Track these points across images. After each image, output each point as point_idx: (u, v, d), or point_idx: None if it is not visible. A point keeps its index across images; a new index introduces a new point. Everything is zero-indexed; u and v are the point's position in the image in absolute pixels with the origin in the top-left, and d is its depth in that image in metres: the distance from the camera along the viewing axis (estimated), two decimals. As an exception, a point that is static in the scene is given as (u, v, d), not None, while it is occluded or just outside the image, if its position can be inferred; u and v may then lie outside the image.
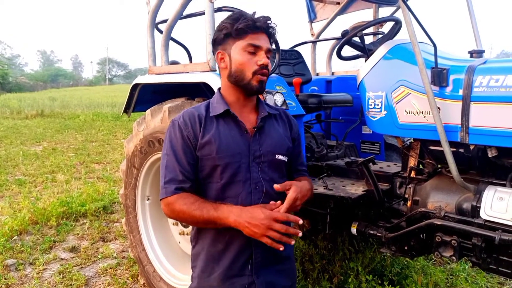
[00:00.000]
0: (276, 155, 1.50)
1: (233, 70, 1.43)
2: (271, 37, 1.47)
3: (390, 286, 2.70)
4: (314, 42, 3.82)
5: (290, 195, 1.40)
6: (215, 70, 2.28)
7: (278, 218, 1.30)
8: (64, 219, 4.55)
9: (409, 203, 2.21)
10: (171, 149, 1.42)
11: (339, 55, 2.54)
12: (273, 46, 1.51)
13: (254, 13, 1.45)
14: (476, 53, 2.22)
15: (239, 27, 1.39)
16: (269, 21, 1.44)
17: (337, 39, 3.46)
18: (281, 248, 1.31)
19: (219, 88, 1.55)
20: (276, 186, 1.41)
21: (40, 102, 21.83)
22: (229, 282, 1.44)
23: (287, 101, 2.31)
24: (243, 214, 1.32)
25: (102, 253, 3.75)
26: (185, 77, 2.39)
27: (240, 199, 1.41)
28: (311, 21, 3.88)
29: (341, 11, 3.59)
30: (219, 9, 2.29)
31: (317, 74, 3.87)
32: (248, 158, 1.43)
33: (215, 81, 2.17)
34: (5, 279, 3.20)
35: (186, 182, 1.39)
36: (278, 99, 2.20)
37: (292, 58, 3.17)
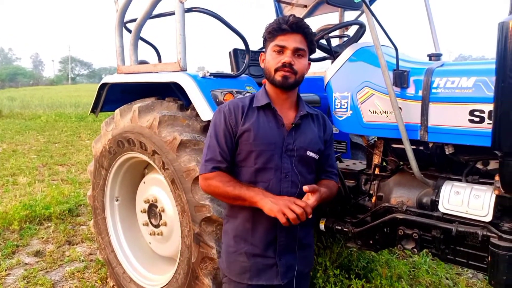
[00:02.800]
0: (308, 152, 1.63)
1: (264, 68, 1.62)
2: (306, 37, 1.57)
3: (357, 279, 2.80)
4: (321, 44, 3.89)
5: (312, 202, 1.52)
6: (186, 70, 2.30)
7: (297, 202, 1.45)
8: (27, 222, 4.40)
9: (373, 199, 2.31)
10: (214, 132, 1.59)
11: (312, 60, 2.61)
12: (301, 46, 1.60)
13: (291, 16, 1.56)
14: (435, 56, 2.35)
15: (268, 30, 1.58)
16: (296, 22, 1.54)
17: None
18: (286, 223, 1.43)
19: (265, 85, 1.69)
20: (305, 188, 1.51)
21: (-2, 102, 20.83)
22: (253, 261, 1.59)
23: (257, 101, 2.35)
24: (269, 195, 1.49)
25: (68, 256, 3.66)
26: (155, 76, 2.39)
27: (270, 184, 1.56)
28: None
29: (308, 14, 3.68)
30: (190, 10, 2.31)
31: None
32: (281, 149, 1.57)
33: (186, 81, 2.18)
34: (-35, 286, 3.07)
35: (223, 162, 1.56)
36: (248, 99, 2.24)
37: (262, 59, 3.21)
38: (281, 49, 1.54)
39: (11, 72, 70.52)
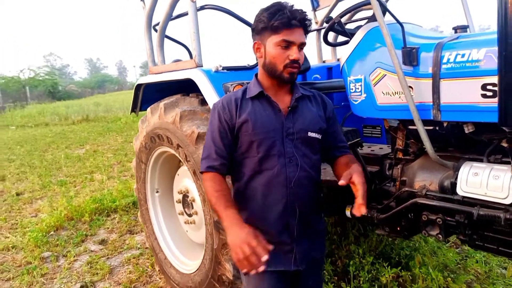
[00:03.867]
0: (309, 133, 1.62)
1: (267, 62, 1.57)
2: (306, 31, 1.57)
3: (393, 268, 2.70)
4: (318, 30, 3.83)
5: (359, 180, 1.46)
6: (201, 66, 2.40)
7: (251, 243, 1.32)
8: (96, 214, 4.89)
9: (397, 184, 2.22)
10: (210, 130, 1.62)
11: (326, 41, 2.57)
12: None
13: (292, 6, 1.52)
14: (460, 29, 2.17)
15: (274, 24, 1.49)
16: (305, 17, 1.53)
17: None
18: (244, 271, 1.35)
19: (256, 74, 1.69)
20: (341, 182, 1.46)
21: (86, 108, 23.06)
22: (273, 251, 1.45)
23: (273, 91, 2.38)
24: (237, 224, 1.40)
25: (127, 244, 4.02)
26: (175, 75, 2.53)
27: (276, 170, 1.56)
28: (315, 9, 3.89)
29: (342, -3, 3.57)
30: (202, 8, 2.40)
31: (324, 62, 3.88)
32: (281, 134, 1.57)
33: (199, 77, 2.29)
34: (40, 269, 3.53)
35: (218, 160, 1.57)
36: (261, 89, 2.28)
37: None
38: (288, 44, 1.51)
39: (99, 80, 77.24)
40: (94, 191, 5.89)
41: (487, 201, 1.72)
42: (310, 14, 3.85)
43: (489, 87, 1.62)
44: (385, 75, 2.03)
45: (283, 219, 1.60)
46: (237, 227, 1.39)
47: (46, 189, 6.40)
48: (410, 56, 1.87)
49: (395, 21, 1.90)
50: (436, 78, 1.80)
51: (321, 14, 3.87)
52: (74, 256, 3.79)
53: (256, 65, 2.49)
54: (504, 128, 1.48)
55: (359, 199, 1.46)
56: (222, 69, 2.34)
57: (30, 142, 12.29)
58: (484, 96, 1.64)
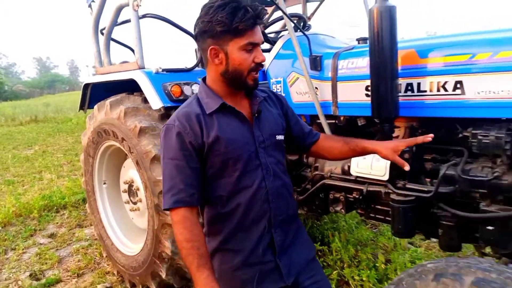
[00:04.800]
0: (277, 136, 1.51)
1: (231, 68, 1.36)
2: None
3: (315, 244, 3.12)
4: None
5: (412, 140, 1.65)
6: (143, 68, 2.70)
7: None
8: (45, 211, 5.00)
9: (312, 170, 2.63)
10: (167, 156, 1.35)
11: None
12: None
13: (259, 6, 1.35)
14: (362, 40, 2.63)
15: (239, 27, 1.29)
16: (263, 13, 1.35)
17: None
18: None
19: (204, 79, 1.49)
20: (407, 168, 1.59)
21: (34, 109, 22.24)
22: (254, 269, 1.42)
23: (207, 90, 2.72)
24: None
25: (77, 237, 4.20)
26: (119, 75, 2.81)
27: (256, 186, 1.41)
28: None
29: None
30: (144, 16, 2.70)
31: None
32: (254, 145, 1.42)
33: (141, 78, 2.59)
34: (-12, 262, 3.65)
35: (186, 190, 1.33)
36: (196, 89, 2.61)
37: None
38: (253, 47, 1.35)
39: (49, 80, 73.93)
40: (43, 189, 5.94)
41: (373, 179, 2.16)
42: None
43: (369, 88, 2.06)
44: (298, 78, 2.44)
45: (267, 236, 1.45)
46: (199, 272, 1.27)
47: (-8, 188, 6.34)
48: (315, 63, 2.28)
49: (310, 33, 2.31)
50: (334, 80, 2.23)
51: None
52: (23, 249, 3.93)
53: (194, 67, 2.82)
54: (375, 119, 1.91)
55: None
56: (162, 71, 2.64)
57: (-27, 143, 11.82)
58: (367, 95, 2.08)
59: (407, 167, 1.60)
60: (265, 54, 3.03)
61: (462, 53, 1.74)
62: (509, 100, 1.60)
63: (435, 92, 1.82)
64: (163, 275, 2.66)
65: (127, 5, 2.62)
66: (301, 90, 2.43)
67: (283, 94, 2.56)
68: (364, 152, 1.71)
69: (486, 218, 1.78)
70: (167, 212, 2.44)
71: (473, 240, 1.93)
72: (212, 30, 1.33)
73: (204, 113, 1.39)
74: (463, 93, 1.74)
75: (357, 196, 2.28)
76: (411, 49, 1.91)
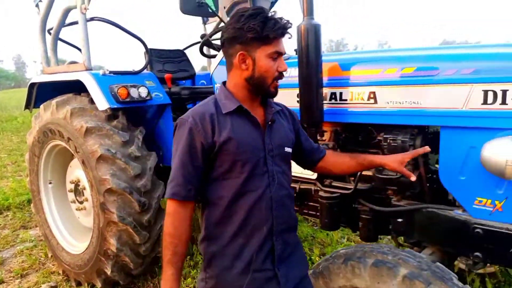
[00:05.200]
0: (285, 148, 1.54)
1: (257, 75, 1.42)
2: None
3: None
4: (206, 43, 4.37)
5: (414, 152, 1.75)
6: (91, 70, 2.77)
7: None
8: (-13, 211, 4.85)
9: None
10: (178, 150, 1.39)
11: (202, 53, 3.10)
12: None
13: (275, 13, 1.44)
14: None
15: (270, 35, 1.37)
16: (291, 26, 1.45)
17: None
18: None
19: (224, 83, 1.53)
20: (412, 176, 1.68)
21: (-25, 106, 20.95)
22: (251, 277, 1.41)
23: (154, 93, 2.85)
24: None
25: (21, 238, 4.13)
26: (66, 76, 2.86)
27: (260, 191, 1.42)
28: (205, 22, 4.42)
29: (227, 14, 4.16)
30: (92, 19, 2.77)
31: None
32: (264, 152, 1.44)
33: (87, 79, 2.67)
34: None
35: (185, 185, 1.37)
36: (142, 91, 2.73)
37: (177, 56, 3.70)
38: (278, 56, 1.43)
39: (-8, 75, 69.70)
40: (-16, 189, 5.73)
41: (304, 178, 2.38)
42: (201, 28, 4.37)
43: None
44: (239, 84, 2.62)
45: (268, 244, 1.44)
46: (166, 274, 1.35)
47: None
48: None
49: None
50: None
51: (210, 27, 4.41)
52: (-38, 251, 3.82)
53: (142, 70, 2.92)
54: (304, 124, 2.13)
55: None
56: (109, 73, 2.73)
57: None
58: (298, 101, 2.30)
59: (413, 178, 1.69)
60: (212, 60, 3.22)
61: (375, 68, 2.00)
62: (411, 109, 1.87)
63: (354, 101, 2.07)
64: (108, 272, 2.74)
65: (75, 7, 2.69)
66: (242, 96, 2.61)
67: (226, 99, 2.73)
68: (371, 166, 1.82)
69: (396, 211, 2.05)
70: (113, 210, 2.57)
71: (388, 231, 2.20)
72: (242, 36, 1.39)
73: (219, 113, 1.42)
74: (376, 102, 1.99)
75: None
76: (335, 63, 2.15)
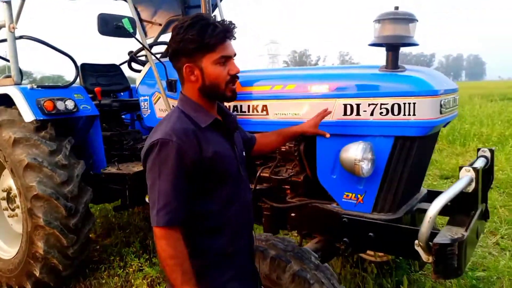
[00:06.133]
0: (243, 153, 1.58)
1: (207, 83, 1.39)
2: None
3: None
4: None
5: (320, 113, 2.02)
6: (19, 84, 2.95)
7: None
8: None
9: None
10: (163, 173, 1.28)
11: (130, 68, 3.35)
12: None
13: (215, 17, 1.59)
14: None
15: (211, 42, 1.34)
16: (235, 27, 1.41)
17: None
18: None
19: (185, 94, 1.45)
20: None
21: None
22: (241, 279, 1.47)
23: (83, 106, 3.07)
24: None
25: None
26: (-6, 90, 3.02)
27: (242, 198, 1.48)
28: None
29: (163, 31, 4.42)
30: (20, 37, 2.96)
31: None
32: (236, 161, 1.46)
33: (15, 93, 2.85)
34: None
35: (180, 210, 1.29)
36: (69, 104, 2.94)
37: (111, 71, 3.92)
38: (226, 60, 1.39)
39: None
40: None
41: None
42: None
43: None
44: (160, 97, 2.89)
45: (250, 245, 1.55)
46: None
47: None
48: (171, 86, 2.75)
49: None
50: (185, 100, 2.72)
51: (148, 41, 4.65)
52: None
53: (71, 84, 3.13)
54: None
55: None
56: (37, 87, 2.92)
57: None
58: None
59: (328, 135, 2.02)
60: (136, 74, 3.47)
61: (266, 84, 2.33)
62: (293, 120, 2.21)
63: (251, 112, 2.40)
64: (37, 274, 2.90)
65: (4, 26, 2.87)
66: (163, 107, 2.88)
67: (149, 111, 3.00)
68: (295, 135, 2.07)
69: (289, 207, 2.37)
70: (39, 215, 2.75)
71: (285, 226, 2.52)
72: (185, 49, 1.36)
73: (198, 128, 1.36)
74: (267, 114, 2.32)
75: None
76: (236, 79, 2.47)
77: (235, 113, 2.46)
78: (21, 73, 3.67)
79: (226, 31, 1.37)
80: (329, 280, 1.79)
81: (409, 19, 1.92)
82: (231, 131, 1.48)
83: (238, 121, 1.61)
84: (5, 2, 2.80)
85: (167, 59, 3.47)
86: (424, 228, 1.67)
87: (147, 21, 4.51)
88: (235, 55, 1.43)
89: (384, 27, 1.93)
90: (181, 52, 1.38)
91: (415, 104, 1.85)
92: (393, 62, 1.99)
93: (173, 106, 2.79)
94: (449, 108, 2.00)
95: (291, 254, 1.83)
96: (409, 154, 1.98)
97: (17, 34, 2.92)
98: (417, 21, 1.94)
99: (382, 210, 2.06)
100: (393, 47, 1.97)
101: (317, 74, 2.27)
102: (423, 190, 2.48)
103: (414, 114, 1.86)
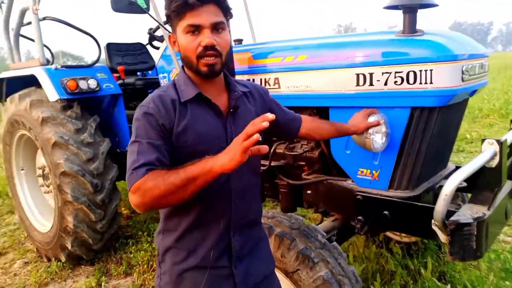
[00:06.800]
0: (255, 135, 1.42)
1: (182, 55, 1.28)
2: (220, 4, 1.25)
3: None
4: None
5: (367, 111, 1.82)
6: (45, 65, 3.05)
7: (248, 132, 1.07)
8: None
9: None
10: (142, 135, 1.21)
11: (151, 45, 3.35)
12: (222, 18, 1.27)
13: None
14: (237, 41, 3.09)
15: (172, 8, 1.22)
16: None
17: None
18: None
19: (183, 67, 1.34)
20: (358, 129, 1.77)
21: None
22: (207, 274, 1.33)
23: (105, 84, 3.12)
24: (218, 154, 1.11)
25: (6, 222, 4.49)
26: (23, 71, 3.14)
27: (219, 184, 1.29)
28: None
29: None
30: (44, 18, 3.03)
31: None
32: (225, 141, 1.29)
33: (40, 74, 2.94)
34: None
35: (161, 166, 1.18)
36: (92, 83, 3.00)
37: (136, 49, 3.95)
38: (196, 29, 1.22)
39: None
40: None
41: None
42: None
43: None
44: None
45: (225, 239, 1.35)
46: (218, 158, 1.10)
47: None
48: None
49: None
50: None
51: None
52: (-51, 234, 4.19)
53: (94, 63, 3.19)
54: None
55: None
56: (61, 67, 3.00)
57: None
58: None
59: (380, 123, 1.78)
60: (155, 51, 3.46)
61: (277, 56, 2.22)
62: (305, 92, 2.10)
63: (263, 86, 2.30)
64: (69, 247, 3.06)
65: (28, 8, 2.95)
66: (180, 84, 2.86)
67: (168, 88, 2.99)
68: (346, 133, 1.84)
69: (305, 184, 2.29)
70: (67, 191, 2.86)
71: (302, 204, 2.44)
72: (167, 18, 1.30)
73: (179, 100, 1.27)
74: (279, 87, 2.22)
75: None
76: (249, 52, 2.38)
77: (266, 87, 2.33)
78: (52, 56, 3.82)
79: None
80: (335, 260, 1.71)
81: (428, -24, 1.73)
82: (216, 107, 1.30)
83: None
84: (27, -16, 2.87)
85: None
86: (439, 206, 1.53)
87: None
88: (216, 24, 1.23)
89: (400, -13, 1.76)
90: (168, 21, 1.31)
91: (432, 71, 1.68)
92: (410, 26, 1.81)
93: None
94: (474, 75, 1.80)
95: (297, 232, 1.76)
96: (427, 126, 1.82)
97: (40, 15, 3.00)
98: (436, -21, 1.74)
99: (398, 187, 1.93)
100: (409, 9, 1.78)
101: (329, 43, 2.12)
102: (451, 166, 2.30)
103: (431, 82, 1.69)
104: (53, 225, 3.20)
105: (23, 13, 3.10)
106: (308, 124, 1.71)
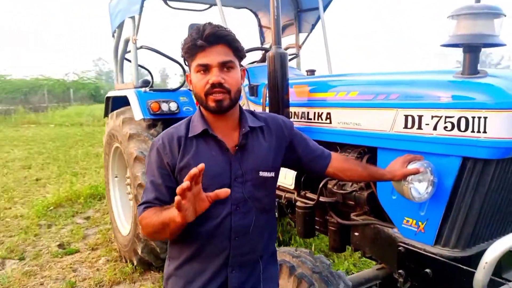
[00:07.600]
0: (260, 173, 1.40)
1: (193, 92, 1.39)
2: (230, 44, 1.33)
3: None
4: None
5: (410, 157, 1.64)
6: (138, 87, 3.45)
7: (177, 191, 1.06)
8: (90, 198, 6.04)
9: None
10: (149, 171, 1.37)
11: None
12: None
13: (205, 24, 1.32)
14: (310, 72, 3.10)
15: (184, 50, 1.33)
16: (214, 32, 1.29)
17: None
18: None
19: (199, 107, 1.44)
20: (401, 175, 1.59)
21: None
22: None
23: (186, 107, 3.40)
24: (173, 217, 1.14)
25: (105, 220, 5.11)
26: (121, 92, 3.59)
27: (219, 220, 1.34)
28: (262, 43, 4.87)
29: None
30: (141, 47, 3.45)
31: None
32: (229, 178, 1.34)
33: (131, 95, 3.33)
34: (34, 231, 4.68)
35: (160, 204, 1.31)
36: (172, 106, 3.29)
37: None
38: (205, 68, 1.30)
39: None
40: (96, 181, 7.07)
41: (286, 188, 2.62)
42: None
43: (282, 113, 2.54)
44: (244, 102, 2.99)
45: (222, 274, 1.37)
46: (169, 212, 1.17)
47: (60, 177, 7.66)
48: (252, 91, 2.82)
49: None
50: (263, 105, 2.74)
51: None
52: (62, 225, 4.92)
53: (178, 88, 3.50)
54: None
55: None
56: (149, 90, 3.37)
57: (61, 139, 13.84)
58: (281, 119, 2.56)
59: (421, 170, 1.60)
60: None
61: (331, 91, 2.18)
62: (354, 130, 2.01)
63: (316, 120, 2.27)
64: (140, 252, 3.35)
65: (129, 39, 3.40)
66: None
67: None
68: (381, 179, 1.72)
69: (353, 225, 2.18)
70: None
71: (349, 244, 2.31)
72: (182, 58, 1.45)
73: (186, 136, 1.36)
74: (331, 122, 2.17)
75: (282, 202, 2.76)
76: (306, 85, 2.38)
77: (301, 119, 2.36)
78: (152, 78, 4.29)
79: (196, 38, 1.29)
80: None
81: (493, 13, 1.53)
82: (222, 144, 1.36)
83: (301, 129, 1.57)
84: (130, 17, 3.31)
85: (251, 65, 3.60)
86: (479, 274, 1.34)
87: (266, 27, 4.71)
88: (223, 63, 1.30)
89: (460, 23, 1.59)
90: (184, 61, 1.47)
91: (486, 119, 1.47)
92: (470, 66, 1.62)
93: (254, 110, 2.85)
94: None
95: (317, 276, 1.68)
96: (482, 180, 1.59)
97: (138, 45, 3.42)
98: (505, 15, 1.54)
99: (446, 244, 1.71)
100: (471, 48, 1.60)
101: (382, 80, 2.01)
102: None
103: (484, 132, 1.49)
104: (130, 230, 3.55)
105: (126, 42, 3.57)
106: (339, 164, 1.63)
